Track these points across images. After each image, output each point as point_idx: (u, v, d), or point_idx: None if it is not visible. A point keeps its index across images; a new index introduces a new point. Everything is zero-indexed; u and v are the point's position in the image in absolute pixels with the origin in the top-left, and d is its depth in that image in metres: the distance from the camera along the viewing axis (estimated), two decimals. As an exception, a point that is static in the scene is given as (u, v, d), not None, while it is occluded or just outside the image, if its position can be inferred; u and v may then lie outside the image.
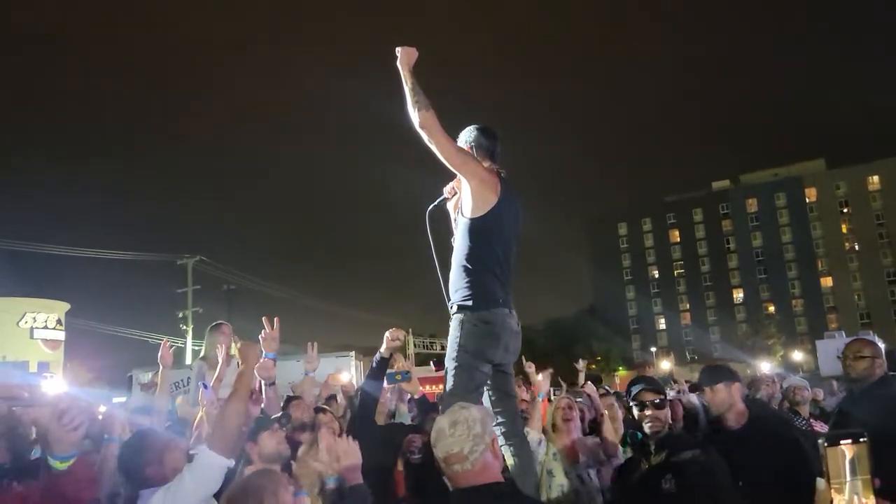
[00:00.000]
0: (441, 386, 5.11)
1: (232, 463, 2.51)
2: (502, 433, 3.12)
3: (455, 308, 3.23)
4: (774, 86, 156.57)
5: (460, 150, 3.29)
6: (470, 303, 3.17)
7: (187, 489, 2.42)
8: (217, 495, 2.46)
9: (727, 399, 3.37)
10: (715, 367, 3.67)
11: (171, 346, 5.06)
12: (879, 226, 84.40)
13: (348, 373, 13.71)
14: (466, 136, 3.48)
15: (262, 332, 4.02)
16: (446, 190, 3.62)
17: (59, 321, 41.10)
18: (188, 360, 27.03)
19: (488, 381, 3.23)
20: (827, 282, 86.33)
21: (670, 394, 6.39)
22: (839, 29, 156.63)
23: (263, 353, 3.96)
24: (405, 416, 6.09)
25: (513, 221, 3.36)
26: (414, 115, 3.14)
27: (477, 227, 3.21)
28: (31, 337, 38.43)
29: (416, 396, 5.51)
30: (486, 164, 3.40)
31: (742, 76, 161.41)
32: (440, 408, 4.38)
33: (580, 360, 7.73)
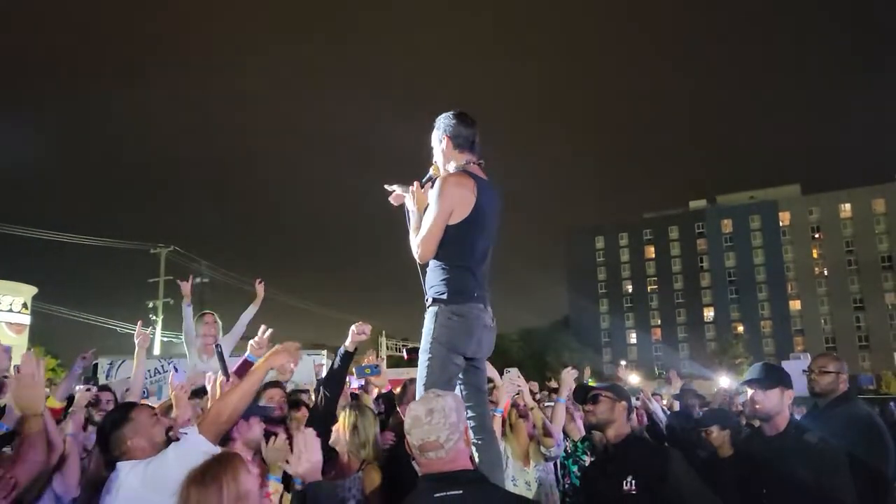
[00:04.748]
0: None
1: (217, 450, 2.49)
2: (472, 428, 3.13)
3: (430, 301, 3.25)
4: (755, 110, 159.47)
5: (435, 217, 3.20)
6: (444, 296, 3.19)
7: (170, 466, 2.41)
8: None
9: (777, 406, 3.25)
10: (773, 368, 3.41)
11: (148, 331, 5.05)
12: (849, 252, 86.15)
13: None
14: (444, 125, 3.41)
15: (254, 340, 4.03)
16: (432, 170, 3.50)
17: (24, 305, 40.18)
18: (157, 351, 26.67)
19: (461, 376, 3.25)
20: (795, 305, 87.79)
21: (635, 402, 6.52)
22: (823, 57, 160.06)
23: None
24: None
25: (491, 217, 3.33)
26: (416, 250, 3.28)
27: (456, 233, 3.22)
28: (-5, 320, 37.55)
29: (383, 391, 5.54)
30: (465, 156, 3.37)
31: (725, 100, 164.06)
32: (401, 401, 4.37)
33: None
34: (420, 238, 3.26)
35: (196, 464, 2.41)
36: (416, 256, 3.31)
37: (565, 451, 5.27)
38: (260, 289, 6.14)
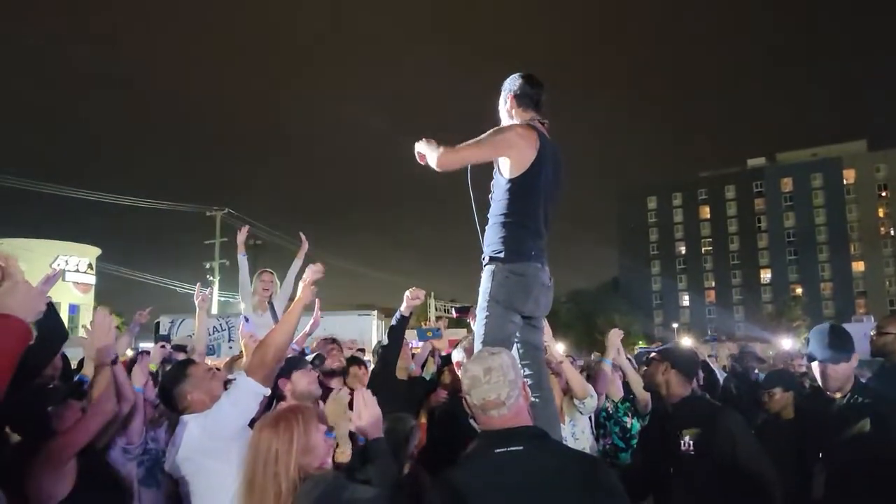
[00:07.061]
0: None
1: (268, 391, 2.57)
2: (529, 386, 3.12)
3: (487, 259, 3.22)
4: (819, 65, 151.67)
5: (480, 142, 3.15)
6: (502, 255, 3.15)
7: (225, 412, 2.52)
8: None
9: (848, 375, 3.15)
10: (838, 337, 3.21)
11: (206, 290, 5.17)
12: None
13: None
14: (510, 84, 3.39)
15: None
16: None
17: (90, 265, 42.14)
18: (214, 310, 27.61)
19: (517, 334, 3.23)
20: (858, 266, 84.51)
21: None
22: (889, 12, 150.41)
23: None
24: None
25: (553, 174, 3.28)
26: (433, 163, 3.17)
27: (516, 187, 3.17)
28: (63, 279, 39.41)
29: (443, 353, 5.62)
30: (530, 114, 3.32)
31: (789, 55, 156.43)
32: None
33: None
34: (455, 148, 3.15)
35: (249, 406, 2.53)
36: (434, 162, 3.17)
37: (606, 411, 5.23)
38: (304, 243, 6.12)
